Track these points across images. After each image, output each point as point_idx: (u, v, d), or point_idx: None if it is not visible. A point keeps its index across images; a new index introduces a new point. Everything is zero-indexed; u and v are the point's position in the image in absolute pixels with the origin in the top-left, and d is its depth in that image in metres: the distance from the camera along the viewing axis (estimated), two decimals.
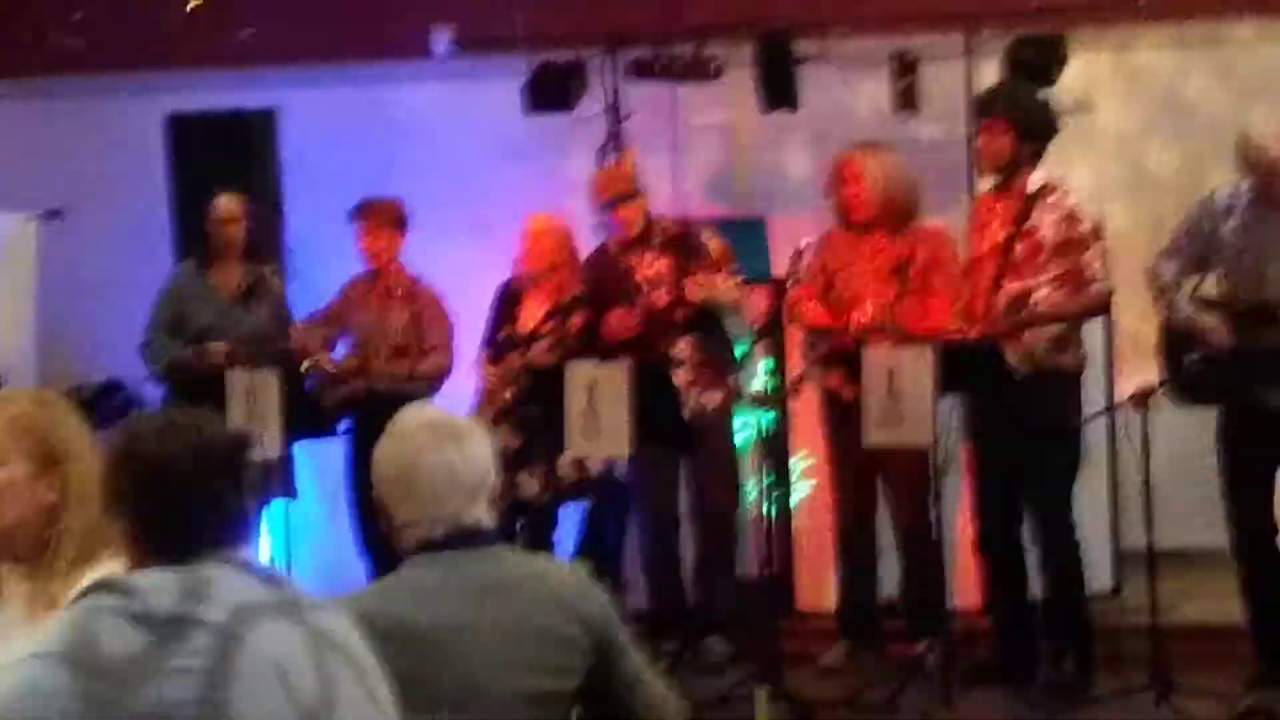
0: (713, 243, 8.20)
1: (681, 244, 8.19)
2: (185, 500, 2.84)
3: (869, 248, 7.97)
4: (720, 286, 8.03)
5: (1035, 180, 7.56)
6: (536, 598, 3.50)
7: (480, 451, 3.61)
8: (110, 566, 2.78)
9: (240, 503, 2.90)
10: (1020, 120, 7.57)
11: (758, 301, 8.34)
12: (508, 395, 8.34)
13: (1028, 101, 7.74)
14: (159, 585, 2.71)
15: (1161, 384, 7.28)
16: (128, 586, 2.70)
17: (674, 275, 8.12)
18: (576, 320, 8.29)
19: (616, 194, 8.15)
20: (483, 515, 3.57)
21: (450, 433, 3.60)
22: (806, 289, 7.95)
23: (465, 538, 3.52)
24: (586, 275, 8.36)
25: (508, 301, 8.61)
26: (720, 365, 8.17)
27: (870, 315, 7.76)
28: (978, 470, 7.78)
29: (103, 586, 2.71)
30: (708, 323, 8.16)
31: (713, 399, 8.09)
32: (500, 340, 8.50)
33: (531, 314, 8.48)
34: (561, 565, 3.75)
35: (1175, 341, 7.25)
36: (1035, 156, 7.60)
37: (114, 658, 2.62)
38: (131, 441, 2.89)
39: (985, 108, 7.73)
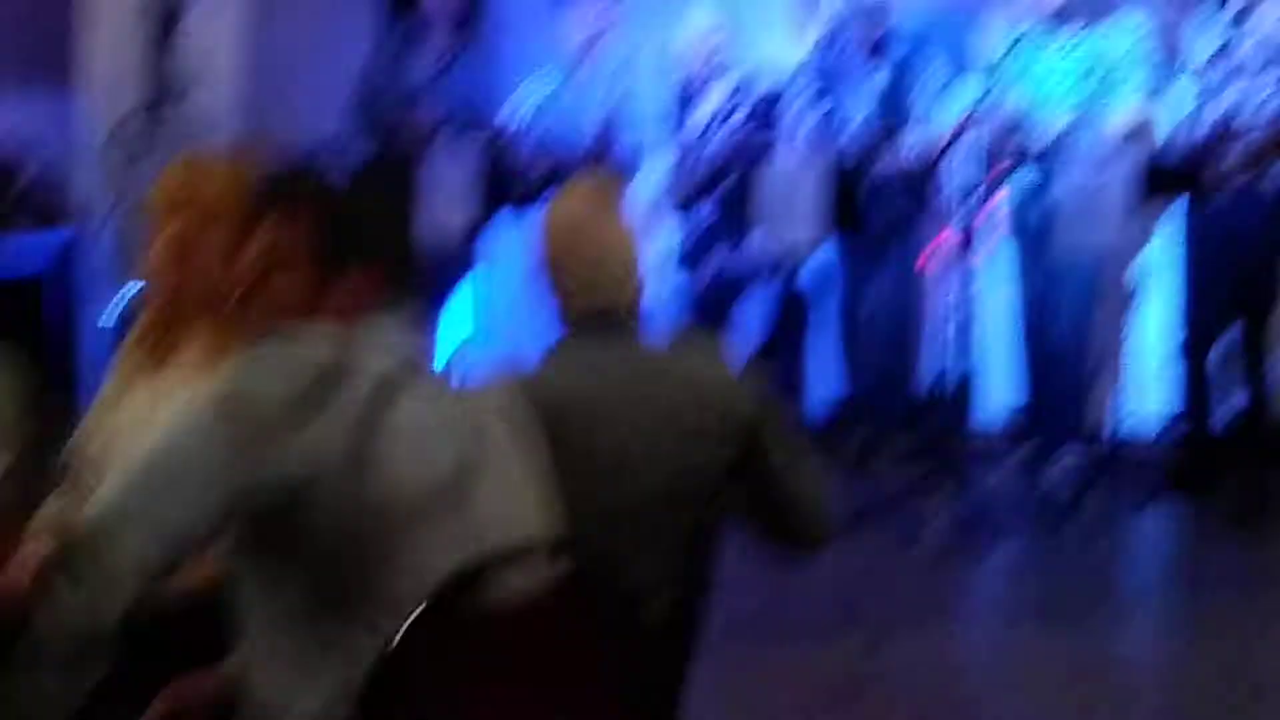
0: None
1: None
2: (402, 248, 2.96)
3: None
4: None
5: None
6: (690, 377, 3.47)
7: (636, 229, 3.58)
8: (295, 326, 2.81)
9: (417, 259, 3.00)
10: None
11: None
12: (700, 173, 8.30)
13: None
14: (319, 335, 2.76)
15: None
16: (289, 336, 2.75)
17: None
18: None
19: None
20: (636, 294, 3.53)
21: (607, 208, 3.57)
22: None
23: (619, 315, 3.49)
24: None
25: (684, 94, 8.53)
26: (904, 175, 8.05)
27: None
28: (1191, 279, 7.70)
29: (265, 336, 2.76)
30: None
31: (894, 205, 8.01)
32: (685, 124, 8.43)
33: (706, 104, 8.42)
34: (717, 346, 3.70)
35: None
36: None
37: (268, 405, 2.66)
38: (352, 189, 2.97)
39: None
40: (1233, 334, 7.57)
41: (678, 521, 3.44)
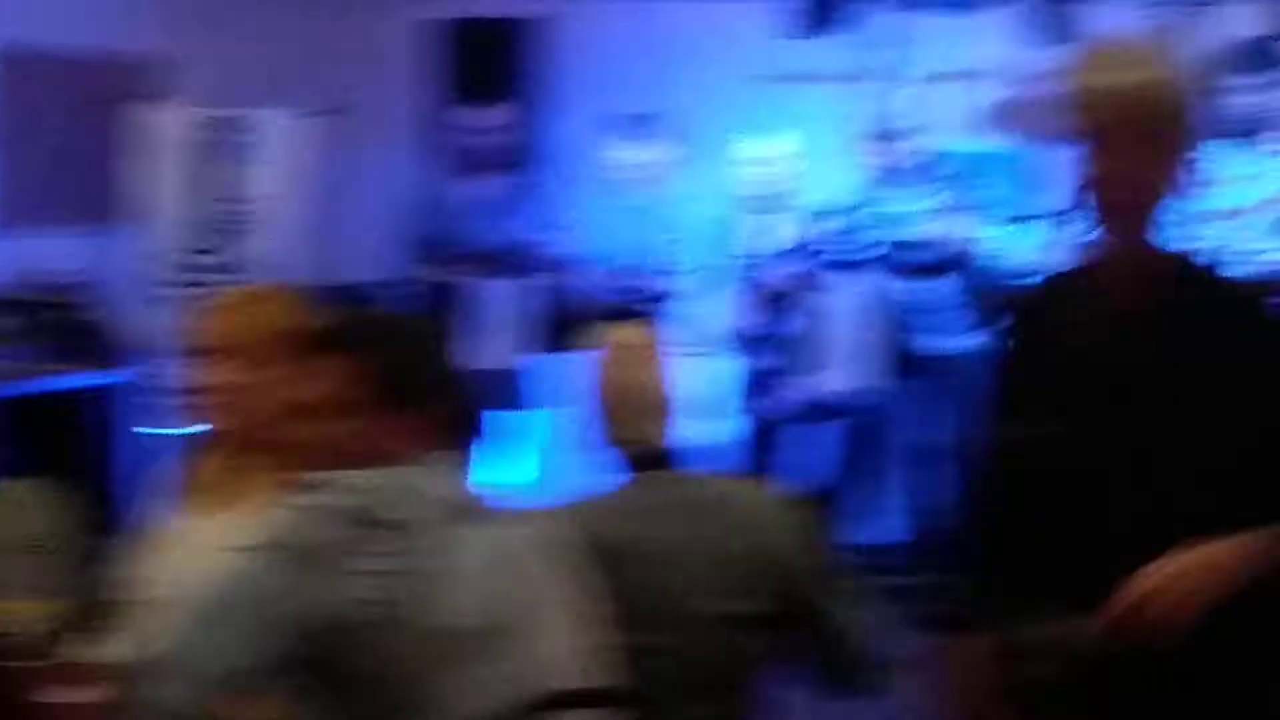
0: None
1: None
2: (455, 391, 3.00)
3: None
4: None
5: None
6: (732, 521, 3.46)
7: (667, 373, 3.58)
8: (343, 470, 2.80)
9: (470, 401, 3.05)
10: None
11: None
12: (756, 318, 8.29)
13: None
14: (360, 485, 2.78)
15: None
16: (333, 485, 2.78)
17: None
18: None
19: None
20: (672, 437, 3.53)
21: (639, 353, 3.59)
22: None
23: (658, 458, 3.50)
24: None
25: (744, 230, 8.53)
26: (964, 309, 8.04)
27: None
28: None
29: (310, 484, 2.78)
30: (959, 267, 8.05)
31: (953, 341, 7.99)
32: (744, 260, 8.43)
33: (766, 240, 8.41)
34: (761, 488, 3.75)
35: None
36: None
37: (314, 553, 2.70)
38: (406, 333, 3.03)
39: None
40: None
41: (724, 660, 3.43)
